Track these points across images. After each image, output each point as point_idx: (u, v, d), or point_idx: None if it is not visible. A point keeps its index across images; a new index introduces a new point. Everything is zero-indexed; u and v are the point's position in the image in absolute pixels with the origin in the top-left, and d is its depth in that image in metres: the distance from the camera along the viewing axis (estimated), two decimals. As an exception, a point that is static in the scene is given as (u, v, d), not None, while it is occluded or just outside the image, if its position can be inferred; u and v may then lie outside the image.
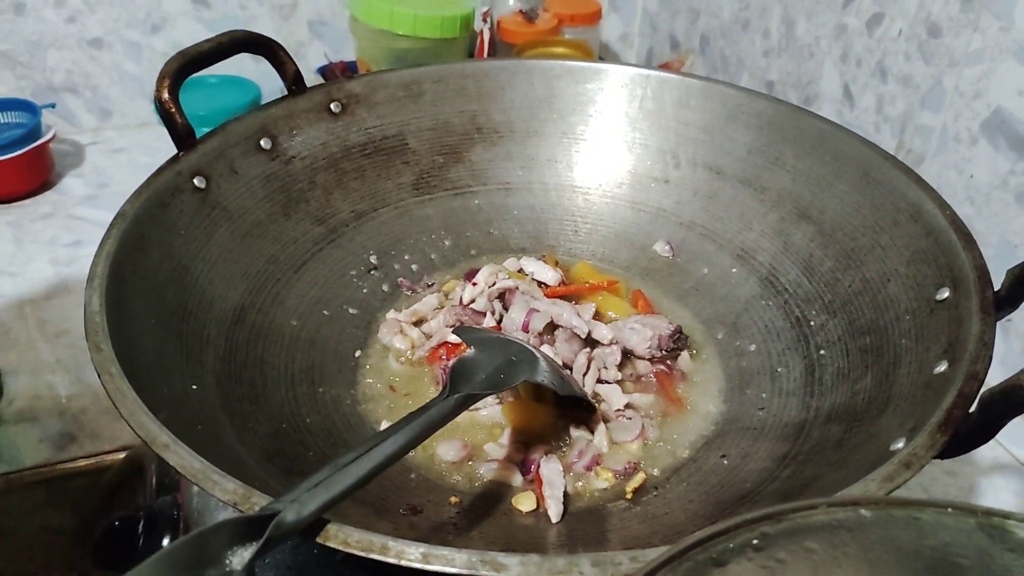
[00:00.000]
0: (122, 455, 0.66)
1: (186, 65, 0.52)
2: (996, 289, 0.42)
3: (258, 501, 0.31)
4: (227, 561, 0.28)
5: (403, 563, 0.29)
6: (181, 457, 0.33)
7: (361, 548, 0.30)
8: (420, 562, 0.29)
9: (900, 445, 0.35)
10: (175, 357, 0.45)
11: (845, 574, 0.27)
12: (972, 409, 0.35)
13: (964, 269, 0.43)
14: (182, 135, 0.53)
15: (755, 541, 0.28)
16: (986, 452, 0.68)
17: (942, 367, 0.39)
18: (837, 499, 0.29)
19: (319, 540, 0.30)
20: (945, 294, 0.43)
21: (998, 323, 0.41)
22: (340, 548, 0.30)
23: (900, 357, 0.43)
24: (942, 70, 0.72)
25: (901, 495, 0.33)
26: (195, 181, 0.52)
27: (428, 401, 0.39)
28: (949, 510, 0.29)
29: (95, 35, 1.05)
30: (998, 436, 0.69)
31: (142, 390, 0.37)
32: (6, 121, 0.98)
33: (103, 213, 0.96)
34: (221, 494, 0.32)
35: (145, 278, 0.46)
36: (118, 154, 1.09)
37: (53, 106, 1.04)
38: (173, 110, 0.52)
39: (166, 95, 0.51)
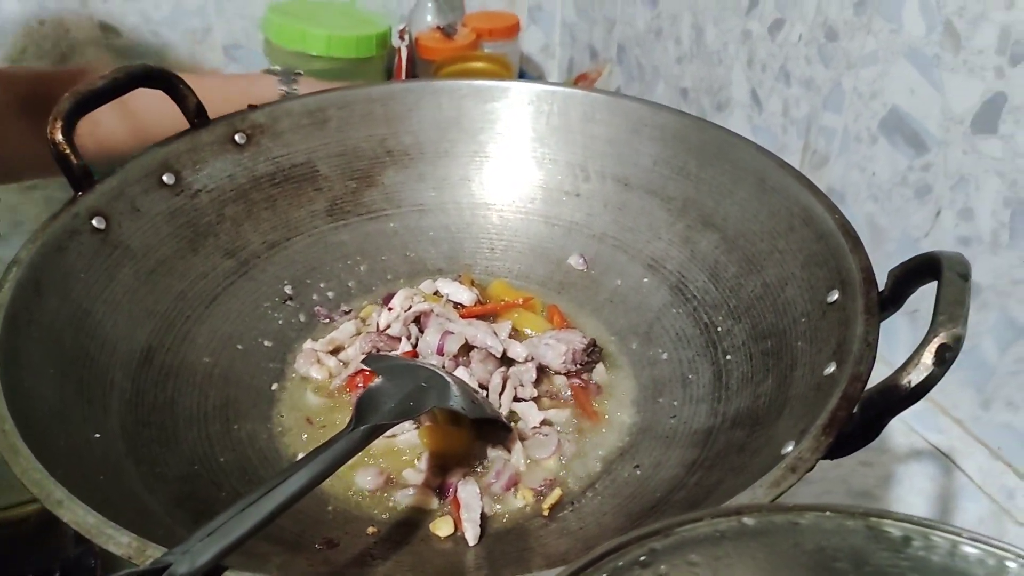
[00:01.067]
0: (35, 507, 0.64)
1: (78, 104, 0.51)
2: (880, 290, 0.43)
3: (153, 554, 0.31)
4: (117, 619, 0.28)
5: (301, 606, 0.29)
6: (74, 513, 0.33)
7: (260, 596, 0.30)
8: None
9: (789, 448, 0.36)
10: (76, 405, 0.44)
11: (726, 585, 0.28)
12: (855, 410, 0.36)
13: (851, 271, 0.44)
14: (78, 176, 0.51)
15: (642, 558, 0.29)
16: (901, 439, 0.70)
17: (831, 368, 0.40)
18: (721, 509, 0.30)
19: (216, 589, 0.30)
20: (835, 296, 0.45)
21: (908, 316, 0.43)
22: (238, 596, 0.30)
23: (796, 359, 0.45)
24: (840, 72, 0.74)
25: (802, 495, 0.35)
26: (94, 222, 0.51)
27: (335, 435, 0.39)
28: (828, 513, 0.30)
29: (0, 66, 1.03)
30: (912, 423, 0.72)
31: (37, 444, 0.36)
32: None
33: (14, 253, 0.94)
34: (115, 548, 0.31)
35: (42, 326, 0.45)
36: (32, 191, 1.06)
37: (-42, 143, 1.01)
38: (68, 152, 0.51)
39: (59, 136, 0.50)
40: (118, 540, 0.32)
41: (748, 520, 0.30)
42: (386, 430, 0.41)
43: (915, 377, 0.34)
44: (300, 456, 0.50)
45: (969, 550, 0.28)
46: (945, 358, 0.33)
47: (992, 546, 0.28)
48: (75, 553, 0.50)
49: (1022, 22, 0.56)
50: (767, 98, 0.84)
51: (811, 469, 0.35)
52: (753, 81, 0.86)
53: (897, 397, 0.34)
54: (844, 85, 0.74)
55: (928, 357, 0.34)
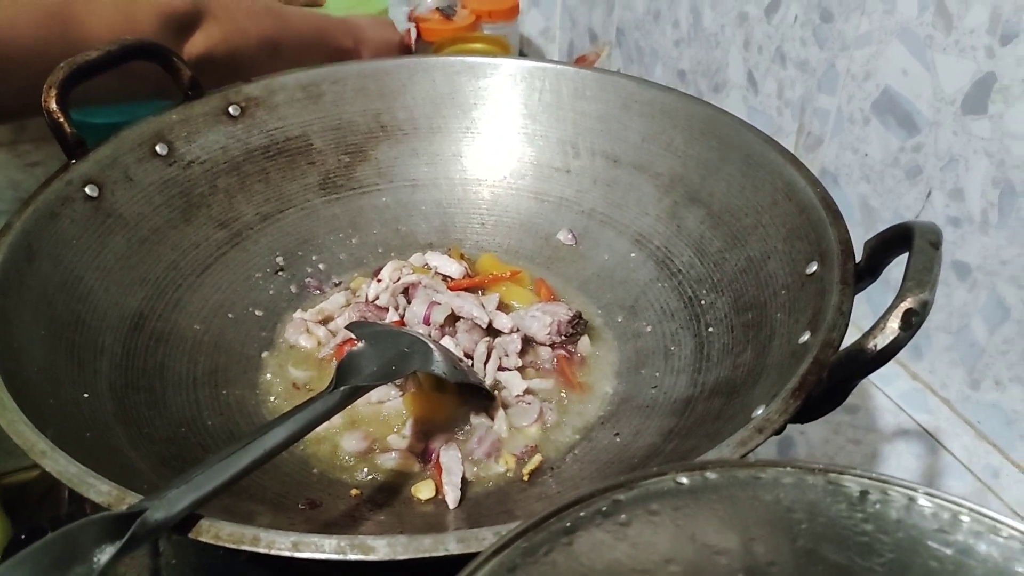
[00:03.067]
0: (36, 472, 0.65)
1: (73, 74, 0.52)
2: (857, 261, 0.44)
3: (131, 502, 0.32)
4: (95, 559, 0.29)
5: (273, 552, 0.30)
6: (57, 463, 0.34)
7: (232, 541, 0.31)
8: (290, 550, 0.30)
9: (759, 411, 0.36)
10: (66, 367, 0.45)
11: (683, 533, 0.29)
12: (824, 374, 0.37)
13: (830, 243, 0.45)
14: (72, 145, 0.52)
15: (604, 508, 0.29)
16: (889, 418, 0.71)
17: (805, 337, 0.41)
18: (686, 464, 0.30)
19: (191, 535, 0.31)
20: (814, 268, 0.45)
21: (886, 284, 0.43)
22: (212, 542, 0.31)
23: (775, 330, 0.46)
24: (835, 54, 0.74)
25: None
26: (87, 190, 0.52)
27: (314, 395, 0.40)
28: (788, 468, 0.31)
29: (3, 46, 1.03)
30: (900, 403, 0.72)
31: (25, 400, 0.37)
32: (-89, 136, 0.96)
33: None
34: (96, 496, 0.32)
35: (33, 289, 0.46)
36: (34, 167, 1.07)
37: (-39, 120, 1.01)
38: (62, 120, 0.51)
39: (53, 105, 0.51)
40: (99, 488, 0.32)
41: (711, 474, 0.31)
42: (366, 392, 0.42)
43: (881, 341, 0.34)
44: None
45: (925, 504, 0.29)
46: (912, 323, 0.34)
47: (948, 501, 0.29)
48: (67, 511, 0.51)
49: (1012, 1, 0.56)
50: (763, 80, 0.84)
51: (779, 431, 0.36)
52: (749, 63, 0.86)
53: (863, 360, 0.35)
54: (838, 66, 0.75)
55: (894, 322, 0.34)
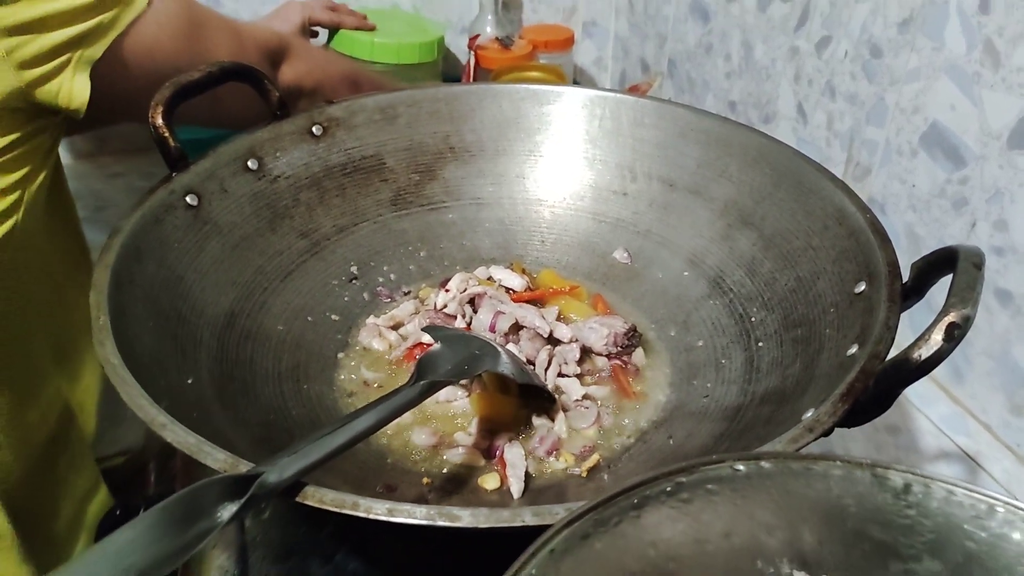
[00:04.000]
0: (123, 458, 0.70)
1: (178, 93, 0.57)
2: (904, 281, 0.47)
3: (243, 469, 0.36)
4: (217, 515, 0.33)
5: (371, 516, 0.34)
6: (176, 434, 0.38)
7: (335, 505, 0.34)
8: (386, 515, 0.34)
9: (809, 414, 0.39)
10: (172, 355, 0.49)
11: (740, 512, 0.32)
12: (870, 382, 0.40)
13: (878, 265, 0.48)
14: (175, 157, 0.57)
15: (668, 488, 0.33)
16: (931, 440, 0.73)
17: (853, 349, 0.44)
18: (743, 454, 0.34)
19: (298, 500, 0.35)
20: (862, 287, 0.48)
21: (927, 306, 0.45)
22: (316, 505, 0.35)
23: (823, 344, 0.48)
24: (884, 88, 0.77)
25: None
26: (187, 199, 0.57)
27: (397, 387, 0.44)
28: (838, 462, 0.34)
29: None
30: (941, 426, 0.74)
31: (142, 380, 0.42)
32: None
33: (101, 236, 1.01)
34: (212, 463, 0.36)
35: (141, 286, 0.51)
36: (115, 178, 1.14)
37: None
38: (167, 135, 0.57)
39: (160, 120, 0.56)
40: (215, 456, 0.37)
41: (766, 464, 0.34)
42: (442, 387, 0.46)
43: (925, 351, 0.37)
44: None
45: (963, 496, 0.32)
46: (954, 335, 0.37)
47: (984, 495, 0.32)
48: (157, 491, 0.55)
49: (1058, 41, 0.59)
50: (812, 112, 0.87)
51: (828, 433, 0.39)
52: (799, 95, 0.89)
53: (908, 369, 0.37)
54: (887, 100, 0.77)
55: (938, 334, 0.37)
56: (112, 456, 0.65)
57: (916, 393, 0.75)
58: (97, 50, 0.56)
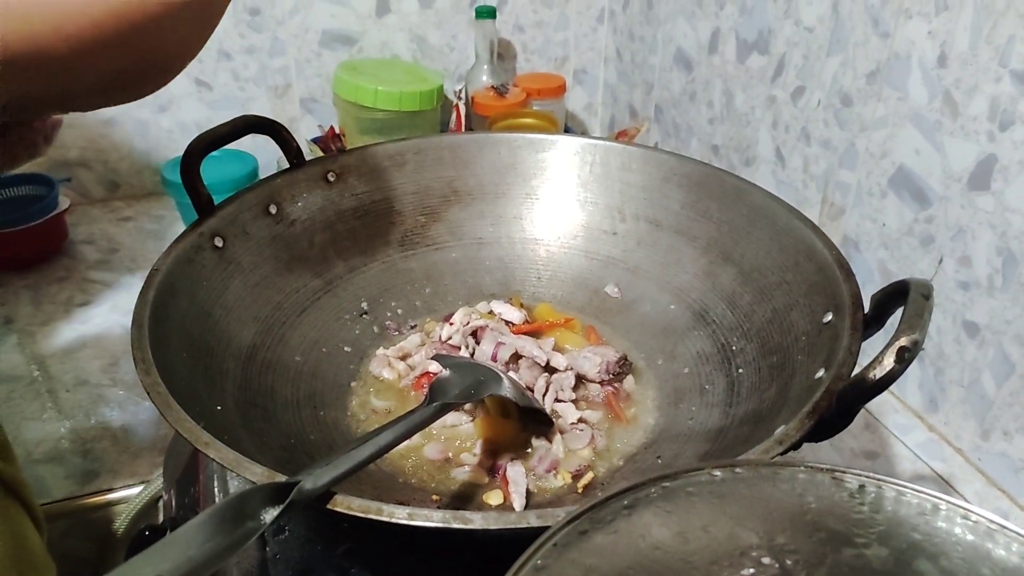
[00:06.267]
0: (138, 489, 0.74)
1: (207, 144, 0.62)
2: (866, 312, 0.52)
3: (280, 480, 0.40)
4: (261, 517, 0.37)
5: (394, 521, 0.39)
6: (219, 450, 0.43)
7: (361, 511, 0.39)
8: (406, 519, 0.39)
9: (780, 430, 0.44)
10: (202, 384, 0.54)
11: (717, 510, 0.37)
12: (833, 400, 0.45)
13: (843, 297, 0.53)
14: (203, 202, 0.63)
15: (655, 491, 0.38)
16: (907, 465, 0.77)
17: (820, 373, 0.49)
18: (719, 462, 0.39)
19: (329, 507, 0.39)
20: (829, 317, 0.53)
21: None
22: (345, 511, 0.39)
23: (796, 370, 0.54)
24: (855, 134, 0.83)
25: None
26: (215, 241, 0.63)
27: (413, 408, 0.48)
28: (802, 467, 0.39)
29: (109, 115, 1.16)
30: (917, 451, 0.78)
31: (183, 405, 0.46)
32: (26, 194, 1.07)
33: (113, 276, 1.06)
34: (252, 476, 0.41)
35: (175, 320, 0.56)
36: (126, 222, 1.19)
37: (69, 180, 1.14)
38: (196, 182, 0.62)
39: (193, 171, 0.62)
40: (253, 470, 0.41)
41: (740, 470, 0.39)
42: (453, 408, 0.51)
43: (879, 372, 0.42)
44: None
45: (911, 496, 0.37)
46: (904, 357, 0.42)
47: (929, 495, 0.37)
48: (180, 515, 0.59)
49: (1008, 94, 0.65)
50: (790, 156, 0.94)
51: (797, 446, 0.44)
52: (777, 140, 0.95)
53: (864, 388, 0.42)
54: (858, 145, 0.83)
55: (890, 357, 0.42)
56: (130, 485, 0.69)
57: (895, 423, 0.80)
58: None
